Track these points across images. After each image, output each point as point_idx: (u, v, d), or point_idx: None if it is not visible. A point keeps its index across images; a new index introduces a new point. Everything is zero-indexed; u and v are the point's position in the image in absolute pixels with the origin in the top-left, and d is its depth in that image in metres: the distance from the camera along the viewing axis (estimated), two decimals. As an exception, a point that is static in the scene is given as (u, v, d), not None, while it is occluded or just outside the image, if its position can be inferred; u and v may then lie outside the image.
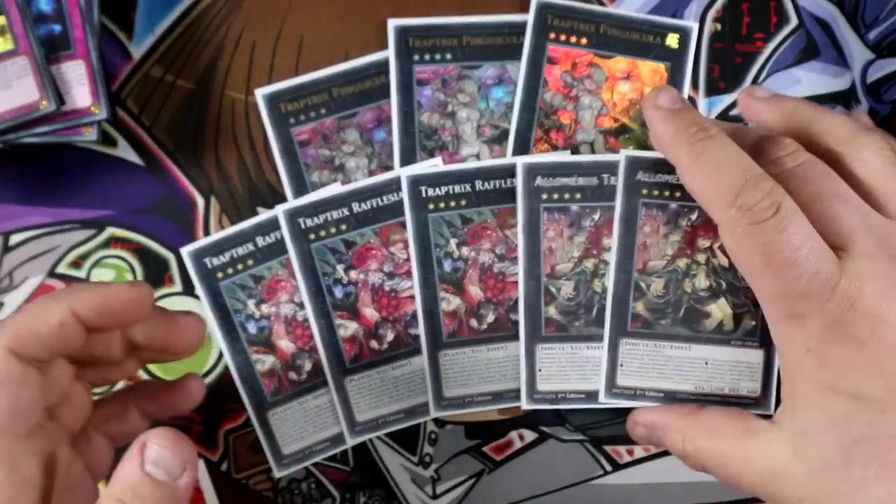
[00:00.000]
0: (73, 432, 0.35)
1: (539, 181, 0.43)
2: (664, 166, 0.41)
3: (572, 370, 0.44)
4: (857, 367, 0.32)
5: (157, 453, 0.30)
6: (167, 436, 0.30)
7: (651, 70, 0.44)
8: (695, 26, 0.43)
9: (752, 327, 0.43)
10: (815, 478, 0.33)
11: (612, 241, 0.43)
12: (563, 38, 0.43)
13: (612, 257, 0.43)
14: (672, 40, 0.44)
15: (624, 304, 0.43)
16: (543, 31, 0.43)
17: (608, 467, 0.45)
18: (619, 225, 0.43)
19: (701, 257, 0.43)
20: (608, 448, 0.45)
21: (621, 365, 0.43)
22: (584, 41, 0.44)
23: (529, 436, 0.45)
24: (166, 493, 0.30)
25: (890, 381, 0.32)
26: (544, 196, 0.43)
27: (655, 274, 0.43)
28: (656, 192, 0.42)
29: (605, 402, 0.43)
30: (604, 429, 0.45)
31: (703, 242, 0.43)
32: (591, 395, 0.44)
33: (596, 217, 0.43)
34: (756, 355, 0.43)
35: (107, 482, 0.32)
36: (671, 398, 0.43)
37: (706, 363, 0.43)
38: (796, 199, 0.33)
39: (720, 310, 0.43)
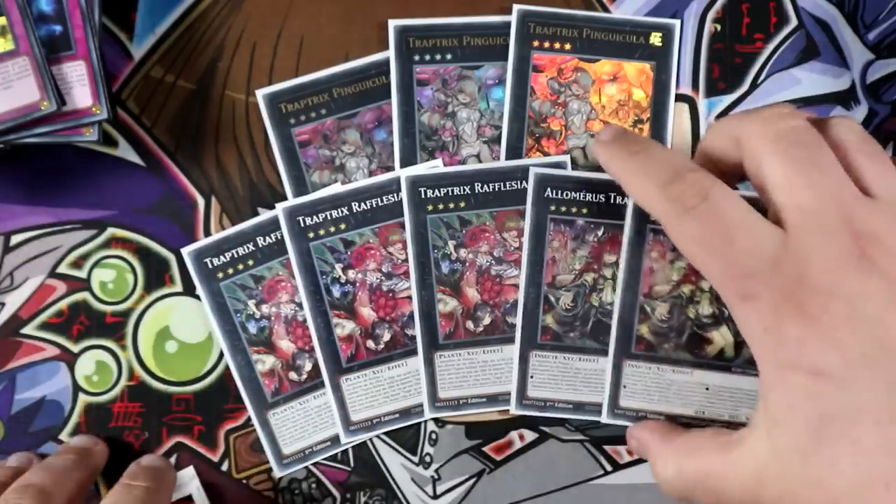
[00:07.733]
0: None
1: (549, 193, 0.43)
2: None
3: (563, 380, 0.44)
4: (812, 343, 0.31)
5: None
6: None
7: (637, 70, 0.44)
8: (677, 24, 0.44)
9: (753, 356, 0.42)
10: (790, 467, 0.31)
11: (620, 264, 0.43)
12: (546, 44, 0.43)
13: (619, 279, 0.43)
14: (656, 39, 0.44)
15: (629, 327, 0.43)
16: (527, 39, 0.43)
17: (608, 467, 0.45)
18: (626, 248, 0.43)
19: (705, 284, 0.43)
20: (608, 448, 0.45)
21: (624, 386, 0.43)
22: (567, 46, 0.44)
23: (530, 436, 0.45)
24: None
25: (845, 355, 0.30)
26: (552, 207, 0.43)
27: (660, 299, 0.43)
28: None
29: (607, 422, 0.44)
30: (604, 429, 0.45)
31: None
32: (579, 406, 0.44)
33: (600, 233, 0.43)
34: (756, 383, 0.42)
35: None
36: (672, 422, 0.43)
37: (707, 388, 0.43)
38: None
39: (722, 337, 0.43)
